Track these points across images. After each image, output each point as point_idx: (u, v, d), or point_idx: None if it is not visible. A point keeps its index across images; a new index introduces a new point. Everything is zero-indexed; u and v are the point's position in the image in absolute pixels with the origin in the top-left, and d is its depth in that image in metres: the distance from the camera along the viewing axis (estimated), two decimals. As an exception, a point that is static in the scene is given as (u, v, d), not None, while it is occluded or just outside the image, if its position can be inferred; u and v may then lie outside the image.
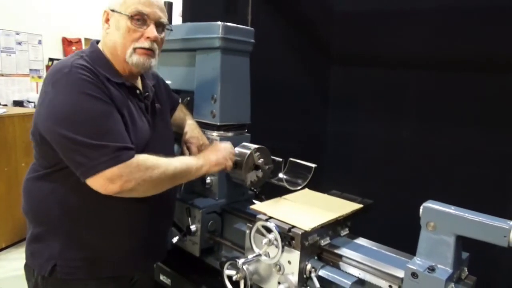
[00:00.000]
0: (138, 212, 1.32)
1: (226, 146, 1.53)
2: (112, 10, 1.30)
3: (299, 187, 1.58)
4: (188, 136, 1.62)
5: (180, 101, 1.77)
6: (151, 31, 1.31)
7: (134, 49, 1.30)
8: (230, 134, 1.67)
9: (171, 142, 1.57)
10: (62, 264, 1.27)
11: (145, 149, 1.30)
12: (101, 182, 1.16)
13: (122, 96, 1.30)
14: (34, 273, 1.32)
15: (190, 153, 1.58)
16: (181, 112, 1.70)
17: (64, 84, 1.18)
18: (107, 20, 1.32)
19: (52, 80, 1.20)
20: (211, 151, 1.49)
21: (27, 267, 1.37)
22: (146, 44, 1.31)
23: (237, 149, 1.63)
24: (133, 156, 1.18)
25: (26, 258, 1.37)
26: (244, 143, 1.66)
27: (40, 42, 6.35)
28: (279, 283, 1.26)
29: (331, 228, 1.35)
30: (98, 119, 1.17)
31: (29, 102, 5.91)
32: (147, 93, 1.43)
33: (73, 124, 1.15)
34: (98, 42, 1.39)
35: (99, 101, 1.19)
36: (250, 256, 1.29)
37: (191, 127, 1.65)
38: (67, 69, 1.19)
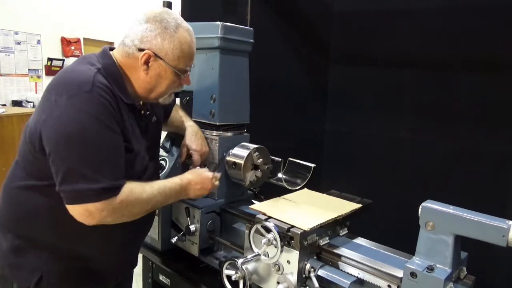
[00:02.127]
0: (126, 227, 1.27)
1: (207, 176, 1.46)
2: (158, 56, 1.24)
3: (298, 187, 1.58)
4: (189, 142, 1.61)
5: (179, 101, 1.77)
6: (188, 79, 1.37)
7: (169, 94, 1.36)
8: (229, 134, 1.67)
9: (158, 151, 1.56)
10: (48, 275, 1.24)
11: (144, 170, 1.33)
12: (81, 212, 1.13)
13: (130, 120, 1.28)
14: (13, 285, 1.27)
15: (193, 163, 1.58)
16: (177, 113, 1.69)
17: (81, 102, 1.12)
18: (146, 62, 1.25)
19: (69, 93, 1.12)
20: (197, 180, 1.43)
21: (2, 278, 1.30)
22: (180, 89, 1.38)
23: (236, 149, 1.63)
24: (118, 193, 1.15)
25: (2, 270, 1.30)
26: (243, 143, 1.66)
27: (39, 42, 6.36)
28: (278, 282, 1.26)
29: (330, 227, 1.35)
30: (103, 151, 1.14)
31: (28, 102, 5.91)
32: (148, 112, 1.40)
33: (76, 147, 1.11)
34: (110, 49, 1.32)
35: (110, 131, 1.15)
36: (249, 256, 1.29)
37: (193, 130, 1.63)
38: (88, 87, 1.13)
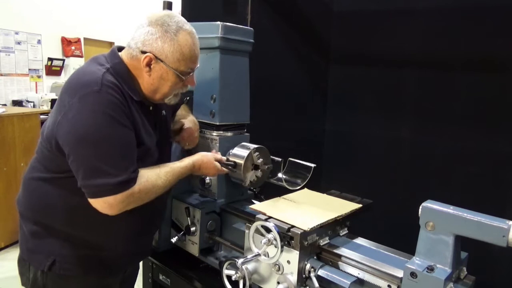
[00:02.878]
0: (138, 216, 1.33)
1: (209, 160, 1.50)
2: (158, 59, 1.28)
3: (298, 187, 1.58)
4: (186, 122, 1.62)
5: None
6: (192, 80, 1.39)
7: (175, 94, 1.39)
8: (229, 134, 1.67)
9: (170, 146, 1.60)
10: (61, 260, 1.31)
11: (154, 164, 1.36)
12: (102, 205, 1.21)
13: (140, 116, 1.32)
14: (30, 268, 1.35)
15: (187, 144, 1.61)
16: (183, 110, 1.72)
17: (92, 102, 1.18)
18: (148, 65, 1.29)
19: (79, 94, 1.18)
20: (203, 165, 1.48)
21: (22, 261, 1.39)
22: (185, 89, 1.41)
23: (236, 149, 1.63)
24: (135, 183, 1.22)
25: (21, 253, 1.39)
26: (243, 143, 1.66)
27: (39, 41, 6.35)
28: (278, 282, 1.26)
29: (330, 227, 1.35)
30: (118, 146, 1.20)
31: (28, 101, 5.90)
32: (156, 108, 1.44)
33: (92, 146, 1.17)
34: (119, 49, 1.36)
35: (122, 127, 1.21)
36: (249, 256, 1.29)
37: (194, 120, 1.66)
38: (97, 87, 1.19)
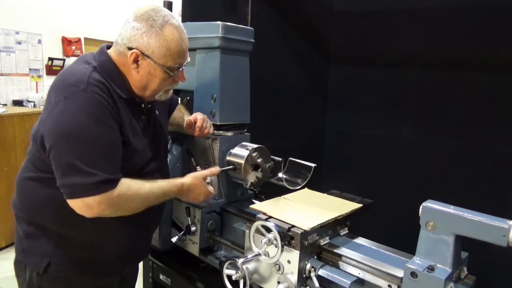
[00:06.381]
0: (131, 217, 1.30)
1: (199, 182, 1.45)
2: (145, 55, 1.26)
3: (298, 187, 1.58)
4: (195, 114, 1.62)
5: (179, 101, 1.77)
6: (182, 76, 1.36)
7: (165, 90, 1.37)
8: (229, 133, 1.67)
9: (166, 146, 1.58)
10: (56, 261, 1.30)
11: (145, 164, 1.35)
12: (80, 206, 1.18)
13: (128, 114, 1.30)
14: (26, 269, 1.34)
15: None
16: (180, 112, 1.71)
17: (77, 100, 1.16)
18: (135, 61, 1.27)
19: (65, 93, 1.18)
20: (192, 188, 1.43)
21: (18, 263, 1.38)
22: (175, 85, 1.39)
23: (237, 149, 1.63)
24: (116, 186, 1.19)
25: (17, 254, 1.38)
26: (243, 143, 1.66)
27: (39, 41, 6.35)
28: (278, 282, 1.26)
29: (331, 227, 1.35)
30: (99, 145, 1.18)
31: (28, 101, 5.90)
32: (149, 105, 1.42)
33: (73, 143, 1.15)
34: (108, 46, 1.35)
35: (106, 127, 1.19)
36: (249, 256, 1.29)
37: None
38: (83, 86, 1.17)
